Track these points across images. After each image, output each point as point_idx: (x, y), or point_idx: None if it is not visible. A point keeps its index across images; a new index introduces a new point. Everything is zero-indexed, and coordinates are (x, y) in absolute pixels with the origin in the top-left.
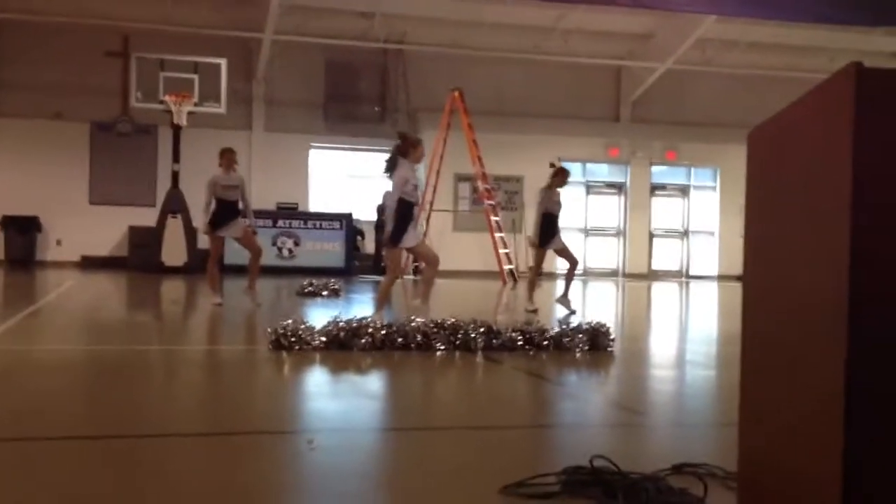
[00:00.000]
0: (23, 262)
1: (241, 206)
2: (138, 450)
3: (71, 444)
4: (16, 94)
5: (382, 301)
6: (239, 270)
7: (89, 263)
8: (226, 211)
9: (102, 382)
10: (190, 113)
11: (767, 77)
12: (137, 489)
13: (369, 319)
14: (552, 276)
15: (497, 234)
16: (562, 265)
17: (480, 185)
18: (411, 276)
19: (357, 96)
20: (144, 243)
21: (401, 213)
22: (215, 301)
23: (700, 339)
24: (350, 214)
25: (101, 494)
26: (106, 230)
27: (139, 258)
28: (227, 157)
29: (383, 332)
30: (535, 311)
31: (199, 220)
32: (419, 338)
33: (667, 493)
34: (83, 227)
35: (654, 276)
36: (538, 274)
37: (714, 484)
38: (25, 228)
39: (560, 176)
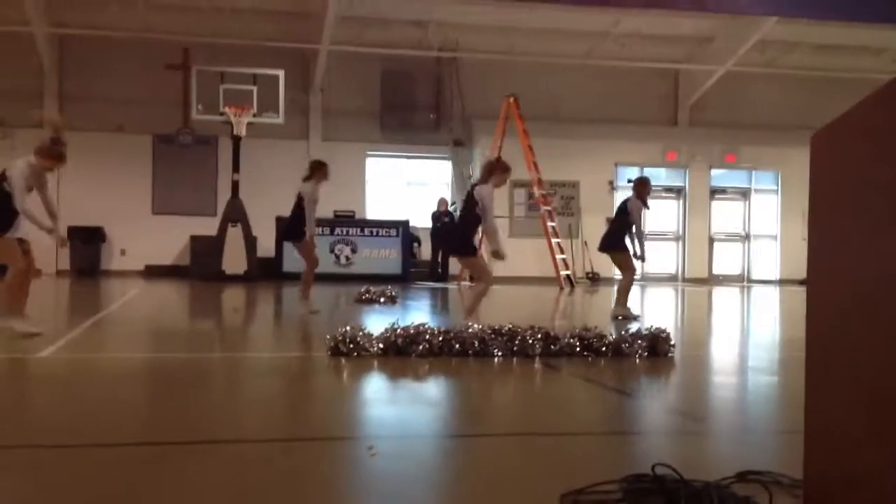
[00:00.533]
0: (88, 271)
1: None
2: (201, 456)
3: (134, 450)
4: (80, 107)
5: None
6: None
7: (153, 272)
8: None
9: (165, 390)
10: (249, 124)
11: (829, 78)
12: (200, 495)
13: (464, 325)
14: (609, 281)
15: (554, 240)
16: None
17: (536, 190)
18: (467, 283)
19: (412, 104)
20: (206, 252)
21: (473, 225)
22: (314, 309)
23: (762, 345)
24: (406, 221)
25: (164, 501)
26: (168, 240)
27: (201, 267)
28: (323, 171)
29: (440, 338)
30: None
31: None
32: (476, 344)
33: (731, 501)
34: (146, 236)
35: (714, 280)
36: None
37: (779, 493)
38: (90, 239)
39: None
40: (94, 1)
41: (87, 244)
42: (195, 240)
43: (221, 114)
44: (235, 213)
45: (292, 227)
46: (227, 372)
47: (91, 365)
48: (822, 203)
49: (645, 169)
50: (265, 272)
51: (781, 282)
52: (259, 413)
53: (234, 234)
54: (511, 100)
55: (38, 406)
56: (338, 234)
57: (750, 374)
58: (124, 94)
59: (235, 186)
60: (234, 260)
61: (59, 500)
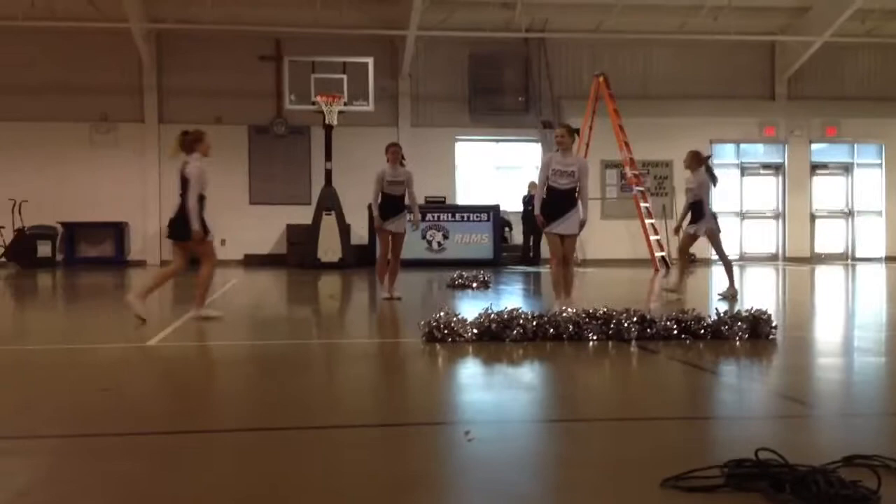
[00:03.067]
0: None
1: (406, 201)
2: (302, 441)
3: (238, 436)
4: (178, 100)
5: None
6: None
7: (251, 261)
8: (390, 205)
9: (267, 376)
10: (340, 112)
11: None
12: (303, 478)
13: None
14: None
15: (647, 221)
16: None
17: (628, 171)
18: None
19: (501, 88)
20: (301, 241)
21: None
22: (384, 295)
23: (868, 325)
24: (497, 206)
25: (268, 484)
26: (266, 229)
27: (297, 255)
28: (393, 152)
29: (534, 322)
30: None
31: (375, 212)
32: (571, 328)
33: (838, 485)
34: (245, 226)
35: (816, 259)
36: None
37: (888, 476)
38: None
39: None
40: None
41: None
42: (291, 228)
43: (313, 103)
44: (329, 202)
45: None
46: (325, 358)
47: (196, 353)
48: None
49: (742, 145)
50: (359, 259)
51: (887, 259)
52: (358, 399)
53: (329, 222)
54: (601, 79)
55: (147, 394)
56: (429, 220)
57: (855, 356)
58: (220, 86)
59: (328, 175)
60: (328, 247)
61: (169, 486)
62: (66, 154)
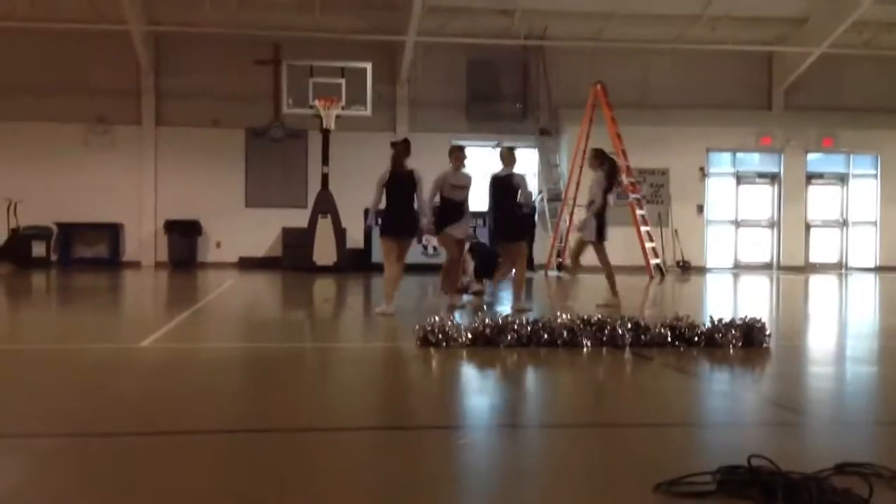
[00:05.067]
0: (185, 263)
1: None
2: (295, 443)
3: (230, 437)
4: (176, 103)
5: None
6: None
7: (246, 264)
8: (451, 210)
9: (260, 379)
10: (337, 117)
11: None
12: (293, 480)
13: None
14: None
15: (643, 228)
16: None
17: (625, 178)
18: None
19: (499, 94)
20: (297, 244)
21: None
22: (456, 302)
23: (861, 334)
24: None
25: (261, 486)
26: (261, 232)
27: (292, 258)
28: (457, 156)
29: (529, 328)
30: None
31: (427, 217)
32: (565, 334)
33: (830, 493)
34: (240, 229)
35: (810, 268)
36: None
37: (880, 485)
38: (187, 232)
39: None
40: None
41: (184, 237)
42: (287, 232)
43: (311, 107)
44: (325, 205)
45: None
46: (319, 362)
47: (189, 354)
48: None
49: (738, 154)
50: (354, 263)
51: (880, 269)
52: (350, 403)
53: (324, 225)
54: (598, 87)
55: (138, 394)
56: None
57: (848, 364)
58: (218, 89)
59: (325, 179)
60: (324, 251)
61: (160, 486)
62: (62, 155)
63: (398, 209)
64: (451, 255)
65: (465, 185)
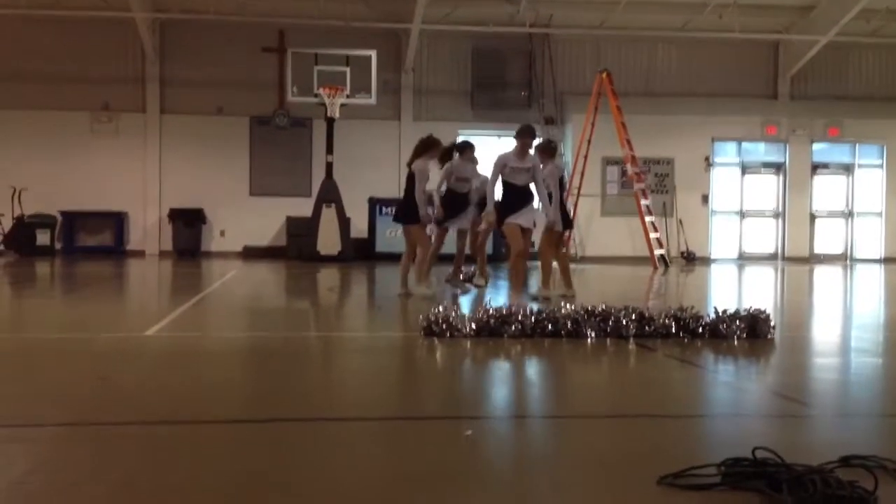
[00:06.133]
0: (190, 252)
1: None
2: (297, 433)
3: (235, 427)
4: (180, 90)
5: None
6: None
7: (250, 253)
8: (518, 196)
9: (264, 368)
10: (342, 105)
11: None
12: (298, 470)
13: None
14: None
15: (647, 218)
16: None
17: (630, 168)
18: None
19: (504, 82)
20: (301, 233)
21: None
22: (544, 293)
23: (867, 325)
24: (498, 200)
25: (266, 475)
26: (265, 221)
27: (296, 247)
28: (524, 141)
29: (533, 319)
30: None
31: (490, 205)
32: (569, 325)
33: (835, 486)
34: (244, 218)
35: (815, 259)
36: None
37: (885, 477)
38: (191, 220)
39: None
40: None
41: (188, 226)
42: (291, 221)
43: (315, 95)
44: (329, 194)
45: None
46: (322, 351)
47: (194, 344)
48: None
49: (743, 144)
50: (359, 252)
51: (886, 260)
52: (353, 393)
53: (329, 214)
54: (604, 75)
55: (143, 384)
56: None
57: (853, 356)
58: (223, 77)
59: (329, 167)
60: (328, 240)
61: (166, 475)
62: (66, 143)
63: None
64: (515, 246)
65: (528, 167)
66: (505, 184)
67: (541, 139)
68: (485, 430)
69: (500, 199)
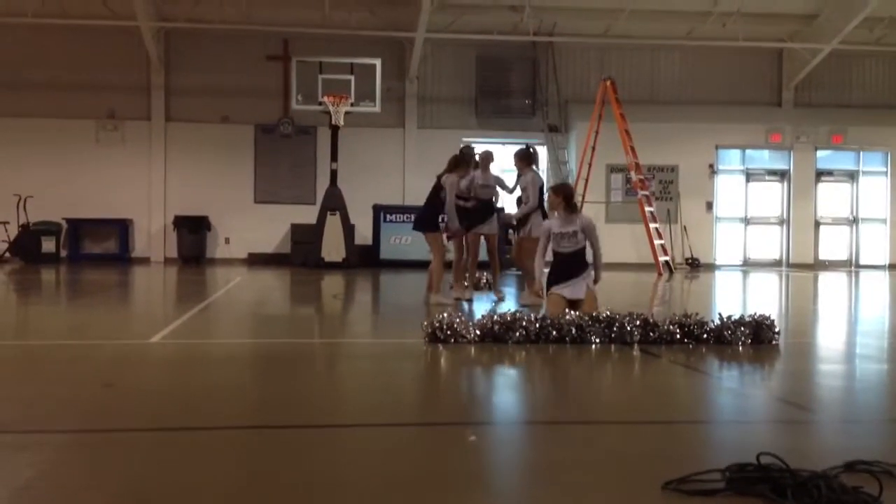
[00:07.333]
0: (194, 259)
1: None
2: (302, 439)
3: (240, 433)
4: (185, 99)
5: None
6: (395, 265)
7: (255, 260)
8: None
9: (269, 375)
10: (346, 113)
11: None
12: (301, 476)
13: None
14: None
15: (652, 225)
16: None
17: (634, 175)
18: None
19: (508, 90)
20: (306, 240)
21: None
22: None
23: (871, 332)
24: (501, 208)
25: (271, 480)
26: (270, 228)
27: (301, 254)
28: (559, 200)
29: (537, 325)
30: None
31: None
32: (574, 331)
33: (839, 491)
34: (249, 225)
35: (820, 266)
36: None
37: (890, 483)
38: (196, 228)
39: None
40: None
41: (193, 233)
42: (295, 228)
43: (320, 103)
44: (334, 202)
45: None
46: (326, 358)
47: (199, 351)
48: None
49: (747, 151)
50: (363, 259)
51: (891, 267)
52: (358, 399)
53: (333, 222)
54: (608, 83)
55: (149, 390)
56: None
57: (857, 362)
58: (228, 85)
59: (334, 175)
60: (333, 247)
61: (171, 481)
62: (72, 150)
63: None
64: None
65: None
66: (553, 253)
67: (520, 146)
68: (489, 436)
69: (548, 269)
